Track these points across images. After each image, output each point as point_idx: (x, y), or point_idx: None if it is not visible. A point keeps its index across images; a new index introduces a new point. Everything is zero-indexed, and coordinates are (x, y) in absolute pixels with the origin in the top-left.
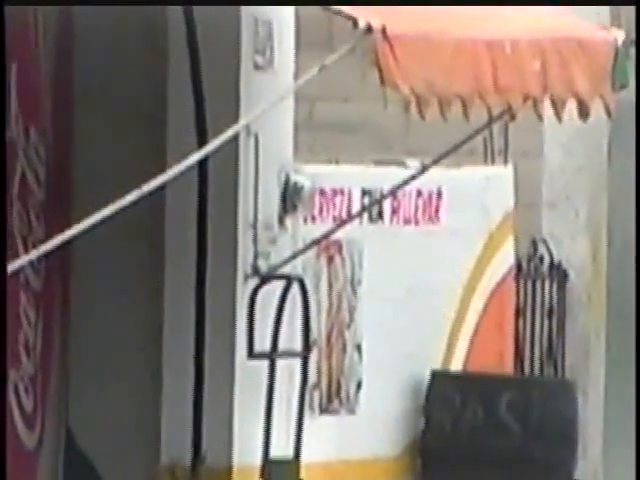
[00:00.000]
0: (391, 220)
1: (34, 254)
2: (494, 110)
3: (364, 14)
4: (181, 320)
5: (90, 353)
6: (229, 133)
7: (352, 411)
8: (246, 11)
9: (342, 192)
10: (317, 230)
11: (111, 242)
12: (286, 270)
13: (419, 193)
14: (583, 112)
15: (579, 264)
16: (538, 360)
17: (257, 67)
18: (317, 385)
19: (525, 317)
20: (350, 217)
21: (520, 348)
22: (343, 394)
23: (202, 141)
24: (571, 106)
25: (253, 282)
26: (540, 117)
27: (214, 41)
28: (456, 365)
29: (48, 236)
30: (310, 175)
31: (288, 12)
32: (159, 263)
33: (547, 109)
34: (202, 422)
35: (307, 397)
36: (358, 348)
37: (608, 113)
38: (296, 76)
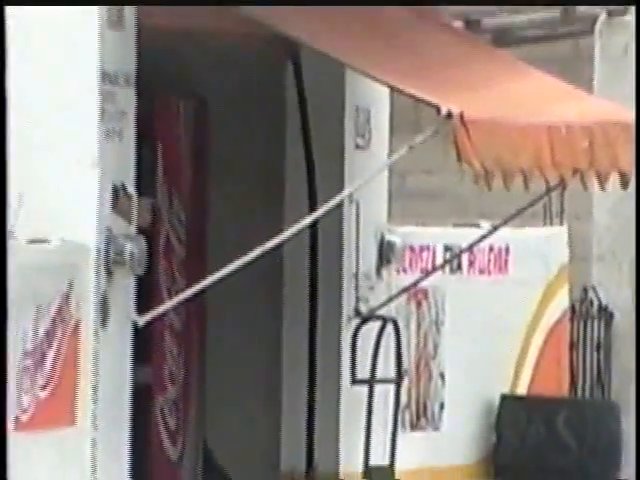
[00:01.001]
0: (468, 271)
1: (176, 300)
2: (551, 181)
3: (446, 100)
4: (297, 353)
5: (223, 381)
6: (336, 201)
7: (437, 428)
8: (350, 101)
9: (428, 248)
10: (407, 279)
11: (239, 290)
12: (382, 312)
13: (491, 249)
14: (624, 182)
15: (623, 307)
16: (589, 386)
17: (358, 147)
18: (408, 406)
19: (578, 350)
20: (434, 269)
21: (574, 376)
22: (429, 414)
23: (313, 207)
24: (615, 177)
25: (355, 322)
26: (585, 187)
27: (323, 125)
28: (522, 390)
29: (187, 286)
30: (401, 235)
31: (384, 102)
32: (278, 307)
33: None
34: (314, 436)
35: (399, 416)
36: (442, 376)
37: None
38: (389, 154)
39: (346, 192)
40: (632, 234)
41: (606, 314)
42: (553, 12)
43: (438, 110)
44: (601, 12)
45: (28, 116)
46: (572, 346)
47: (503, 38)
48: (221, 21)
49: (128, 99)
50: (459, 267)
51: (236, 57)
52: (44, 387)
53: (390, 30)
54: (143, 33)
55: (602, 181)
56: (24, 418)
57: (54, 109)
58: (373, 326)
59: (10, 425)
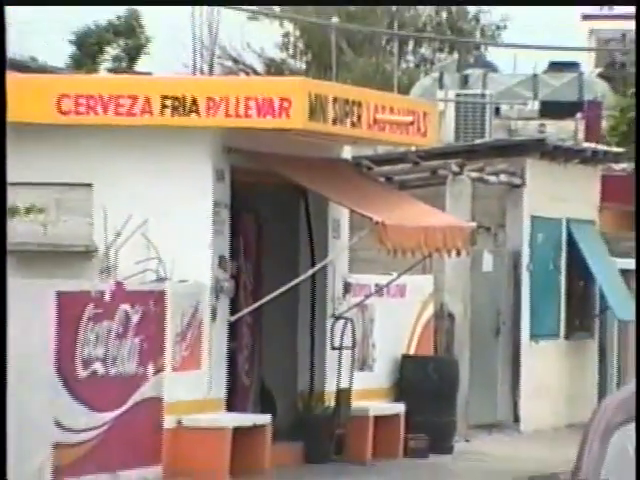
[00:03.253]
0: (386, 296)
1: (247, 310)
2: (425, 254)
3: (375, 214)
4: (305, 333)
5: (269, 346)
6: (323, 263)
7: (371, 370)
8: (330, 216)
9: (366, 285)
10: (357, 300)
11: (277, 304)
12: (346, 315)
13: (397, 285)
14: (458, 254)
15: (458, 314)
16: (443, 350)
17: (334, 237)
18: (358, 359)
19: (437, 333)
20: (369, 295)
21: (436, 345)
22: (368, 363)
23: (313, 265)
24: (454, 252)
25: (332, 320)
26: (441, 256)
27: (318, 227)
28: (412, 352)
29: (254, 302)
30: (354, 279)
31: (346, 216)
32: (296, 312)
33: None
34: (314, 373)
35: (354, 364)
36: (373, 345)
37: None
38: (349, 241)
39: (329, 259)
40: (462, 280)
41: (451, 317)
42: (425, 173)
43: (371, 219)
44: (449, 174)
45: (173, 221)
46: (435, 332)
47: (403, 186)
48: (270, 178)
49: (225, 215)
50: (382, 294)
51: (275, 193)
52: (186, 350)
53: (350, 182)
54: (234, 184)
55: (448, 253)
56: (176, 366)
57: (191, 219)
58: (341, 322)
59: (169, 369)
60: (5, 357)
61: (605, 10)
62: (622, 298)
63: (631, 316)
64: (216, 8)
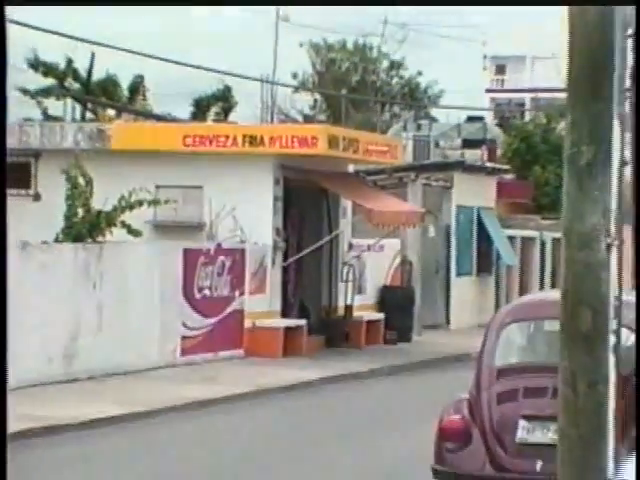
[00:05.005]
0: (374, 250)
1: (292, 259)
2: (394, 227)
3: (367, 204)
4: (321, 273)
5: (305, 280)
6: (334, 233)
7: (365, 293)
8: (341, 204)
9: (363, 245)
10: (355, 253)
11: (310, 258)
12: (349, 262)
13: (377, 244)
14: (413, 226)
15: (416, 261)
16: (406, 281)
17: (343, 217)
18: (355, 287)
19: (402, 272)
20: (363, 251)
21: (403, 279)
22: (364, 289)
23: (330, 233)
24: (412, 225)
25: (342, 264)
26: (404, 227)
27: (333, 213)
28: (388, 283)
29: (297, 252)
30: (355, 242)
31: (350, 206)
32: (319, 265)
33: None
34: (332, 294)
35: (354, 290)
36: (364, 280)
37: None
38: (352, 220)
39: (339, 230)
40: (417, 242)
41: (410, 263)
42: (395, 180)
43: (365, 207)
44: (409, 181)
45: (250, 208)
46: (401, 272)
47: (383, 188)
48: (306, 183)
49: (279, 205)
50: (370, 250)
51: (309, 192)
52: (257, 282)
53: (352, 185)
54: (285, 187)
55: (409, 226)
56: (251, 291)
57: (260, 207)
58: (347, 266)
59: (247, 293)
60: (5, 356)
61: (499, 86)
62: (508, 252)
63: (513, 262)
64: (277, 87)
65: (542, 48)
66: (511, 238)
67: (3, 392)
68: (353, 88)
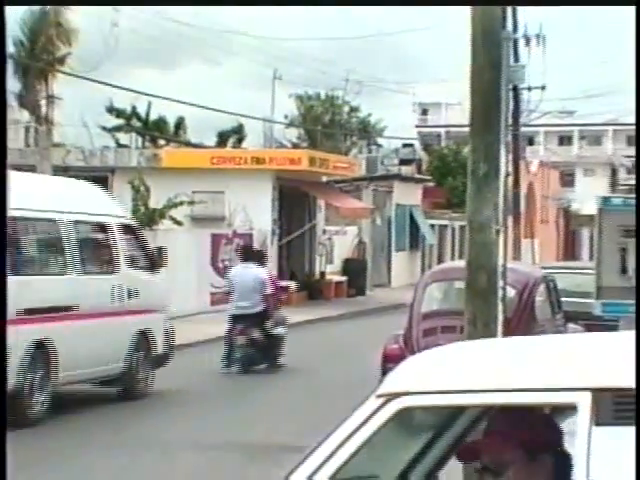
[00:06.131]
0: (342, 235)
1: (285, 240)
2: (355, 219)
3: (339, 204)
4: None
5: (295, 254)
6: (312, 223)
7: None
8: (318, 203)
9: (340, 231)
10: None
11: (296, 240)
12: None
13: (344, 231)
14: (366, 219)
15: (375, 246)
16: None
17: (318, 212)
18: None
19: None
20: (343, 233)
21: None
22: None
23: (310, 222)
24: (365, 217)
25: (317, 244)
26: (360, 218)
27: (313, 208)
28: None
29: (287, 235)
30: (327, 229)
31: (323, 204)
32: (303, 242)
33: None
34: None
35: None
36: (333, 254)
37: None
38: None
39: (316, 221)
40: (369, 228)
41: (364, 243)
42: (353, 186)
43: (334, 205)
44: (364, 187)
45: (256, 206)
46: (357, 249)
47: (347, 192)
48: (295, 190)
49: (276, 204)
50: (338, 234)
51: (297, 195)
52: None
53: (326, 190)
54: (280, 192)
55: (363, 218)
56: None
57: (263, 205)
58: (321, 245)
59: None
60: (5, 359)
61: (424, 123)
62: (430, 235)
63: (433, 242)
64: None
65: (453, 97)
66: (432, 226)
67: (3, 392)
68: (325, 125)
